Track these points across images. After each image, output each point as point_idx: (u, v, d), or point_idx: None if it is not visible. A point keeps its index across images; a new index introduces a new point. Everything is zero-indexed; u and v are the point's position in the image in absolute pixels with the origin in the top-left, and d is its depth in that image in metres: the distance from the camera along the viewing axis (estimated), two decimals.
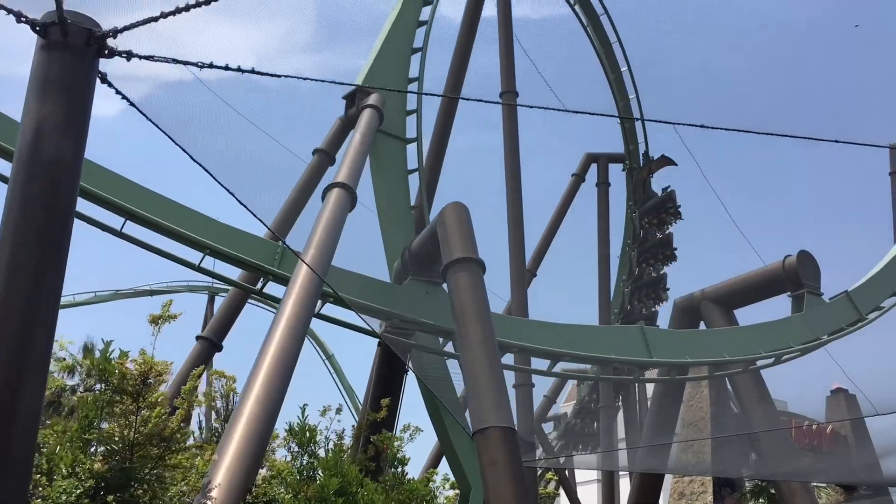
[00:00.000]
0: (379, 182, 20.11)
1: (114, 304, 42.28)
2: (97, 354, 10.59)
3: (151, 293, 42.03)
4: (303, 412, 11.00)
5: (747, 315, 26.59)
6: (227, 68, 5.70)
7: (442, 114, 28.02)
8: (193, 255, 16.14)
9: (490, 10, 30.72)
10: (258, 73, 5.70)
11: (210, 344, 20.09)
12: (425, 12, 23.28)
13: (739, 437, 27.72)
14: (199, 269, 16.13)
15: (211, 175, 9.81)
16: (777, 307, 26.40)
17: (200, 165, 8.88)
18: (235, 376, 12.97)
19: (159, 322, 8.87)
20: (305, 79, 7.70)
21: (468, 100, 28.92)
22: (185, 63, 5.63)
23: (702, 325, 26.54)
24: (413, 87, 21.84)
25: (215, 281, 42.17)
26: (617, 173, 37.96)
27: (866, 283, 25.88)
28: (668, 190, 34.56)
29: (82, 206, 15.30)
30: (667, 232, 34.90)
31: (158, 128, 7.68)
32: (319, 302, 16.91)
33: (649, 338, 20.30)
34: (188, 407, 8.81)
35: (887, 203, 33.23)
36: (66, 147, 4.93)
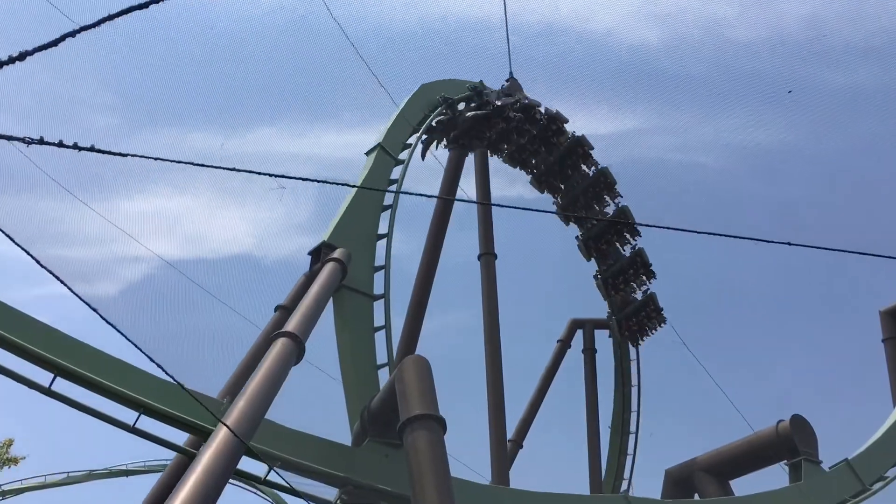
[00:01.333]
0: (343, 339, 19.09)
1: (88, 484, 39.98)
2: None
3: (127, 473, 39.91)
4: None
5: (745, 484, 24.84)
6: (60, 144, 4.86)
7: (421, 274, 27.37)
8: (129, 415, 14.81)
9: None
10: (98, 150, 4.85)
11: None
12: (396, 171, 23.09)
13: None
14: (133, 430, 14.71)
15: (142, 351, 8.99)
16: (777, 476, 24.72)
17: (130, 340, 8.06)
18: None
19: None
20: (231, 168, 6.86)
21: (454, 200, 28.34)
22: (10, 138, 4.79)
23: (696, 497, 24.72)
24: (381, 243, 21.22)
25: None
26: (603, 339, 36.93)
27: (867, 450, 24.27)
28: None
29: (9, 361, 14.22)
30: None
31: (89, 305, 7.13)
32: (266, 466, 15.46)
33: None
34: None
35: (882, 369, 32.14)
36: None
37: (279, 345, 13.71)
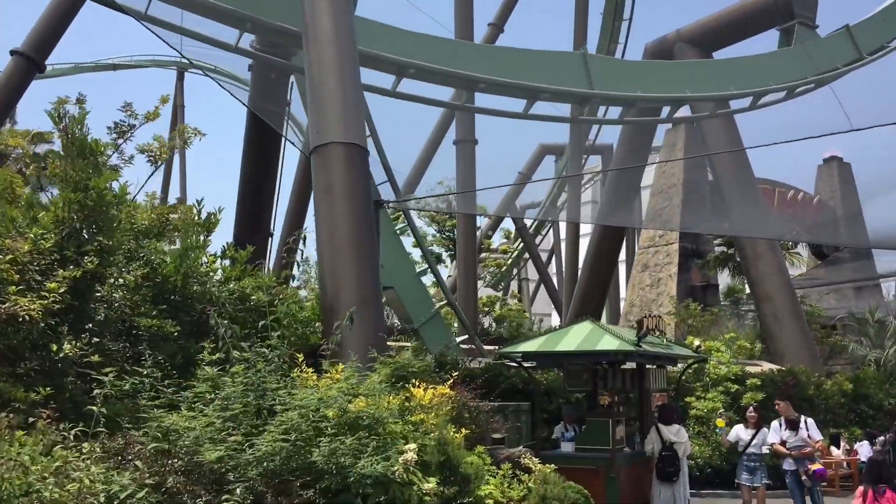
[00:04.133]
0: None
1: (75, 77, 38.24)
2: None
3: (115, 67, 38.10)
4: None
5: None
6: None
7: None
8: None
9: None
10: None
11: (27, 61, 16.06)
12: None
13: (713, 210, 24.84)
14: None
15: None
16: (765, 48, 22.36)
17: None
18: None
19: None
20: None
21: None
22: None
23: None
24: None
25: (183, 57, 38.11)
26: None
27: (872, 18, 21.56)
28: None
29: None
30: None
31: None
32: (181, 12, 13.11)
33: (592, 67, 16.38)
34: None
35: None
36: None
37: None
